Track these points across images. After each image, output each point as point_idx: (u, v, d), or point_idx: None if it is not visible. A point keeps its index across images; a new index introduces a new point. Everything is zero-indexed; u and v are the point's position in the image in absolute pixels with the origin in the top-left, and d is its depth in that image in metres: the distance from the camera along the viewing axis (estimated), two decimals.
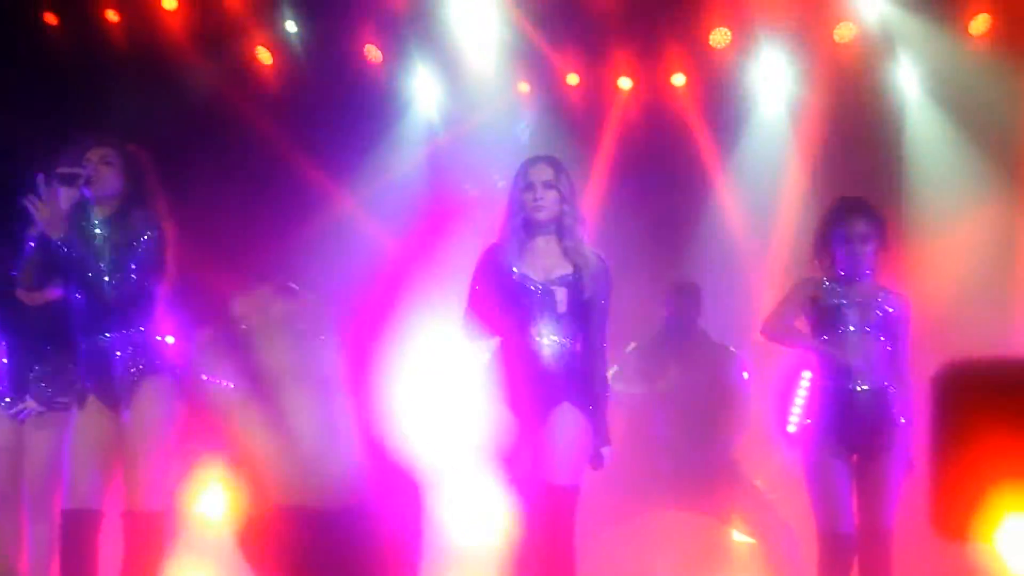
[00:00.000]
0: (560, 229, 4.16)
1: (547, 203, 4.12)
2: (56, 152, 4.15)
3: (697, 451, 6.17)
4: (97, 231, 4.09)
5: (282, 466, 0.67)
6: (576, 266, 4.11)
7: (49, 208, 3.95)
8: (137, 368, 4.03)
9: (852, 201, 4.61)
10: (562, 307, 4.08)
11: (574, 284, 4.09)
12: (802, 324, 4.57)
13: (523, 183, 4.16)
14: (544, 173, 4.16)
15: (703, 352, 6.41)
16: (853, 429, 4.38)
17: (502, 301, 4.14)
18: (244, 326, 0.68)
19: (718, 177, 7.69)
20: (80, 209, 4.04)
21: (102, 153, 4.13)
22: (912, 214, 6.99)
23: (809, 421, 4.55)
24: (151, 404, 4.02)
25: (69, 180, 3.96)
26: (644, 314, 6.52)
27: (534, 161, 4.24)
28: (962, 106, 7.05)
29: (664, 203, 7.56)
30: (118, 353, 4.04)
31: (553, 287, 4.09)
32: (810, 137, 7.36)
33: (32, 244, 4.09)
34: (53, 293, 4.38)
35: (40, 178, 3.96)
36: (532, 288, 4.09)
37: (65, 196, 3.97)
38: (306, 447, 0.68)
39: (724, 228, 7.59)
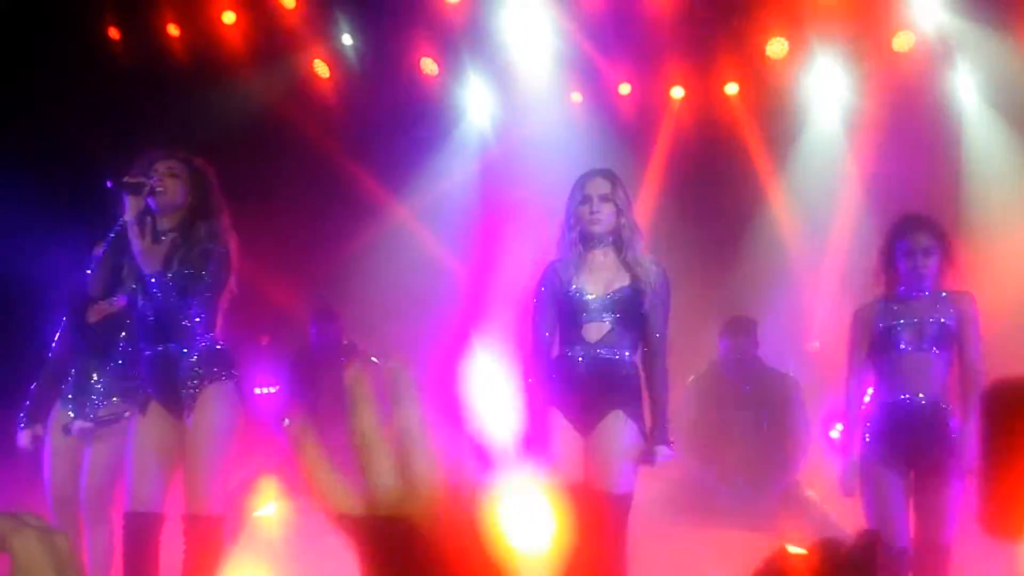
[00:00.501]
0: (618, 241, 4.17)
1: (603, 216, 4.14)
2: (119, 163, 4.25)
3: (757, 476, 6.13)
4: (163, 241, 4.18)
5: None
6: (634, 278, 4.13)
7: (148, 240, 4.05)
8: (200, 375, 4.11)
9: (916, 215, 4.59)
10: (619, 319, 4.11)
11: (632, 297, 4.12)
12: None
13: (580, 196, 4.18)
14: (601, 186, 4.17)
15: (761, 385, 6.37)
16: (909, 444, 4.34)
17: (560, 314, 4.18)
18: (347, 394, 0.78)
19: (772, 187, 7.65)
20: (145, 218, 4.13)
21: (169, 165, 4.21)
22: (971, 222, 6.89)
23: (868, 436, 4.51)
24: (213, 409, 4.08)
25: (135, 189, 4.05)
26: (696, 327, 6.49)
27: (591, 174, 4.25)
28: (1021, 113, 6.95)
29: (717, 213, 7.54)
30: (182, 361, 4.12)
31: (611, 300, 4.12)
32: (867, 146, 7.29)
33: (102, 252, 4.18)
34: (119, 302, 4.48)
35: (109, 185, 4.05)
36: (590, 302, 4.12)
37: (131, 204, 4.06)
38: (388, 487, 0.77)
39: (778, 238, 7.54)
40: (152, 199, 4.11)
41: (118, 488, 4.32)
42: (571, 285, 4.14)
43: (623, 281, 4.13)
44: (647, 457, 4.11)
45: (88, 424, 4.60)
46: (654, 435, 4.12)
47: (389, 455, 0.76)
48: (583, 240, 4.18)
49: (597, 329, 4.12)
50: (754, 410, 6.28)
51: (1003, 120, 7.11)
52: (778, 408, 6.31)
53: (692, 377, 6.45)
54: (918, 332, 4.38)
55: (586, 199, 4.15)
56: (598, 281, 4.14)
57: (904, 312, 4.42)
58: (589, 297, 4.12)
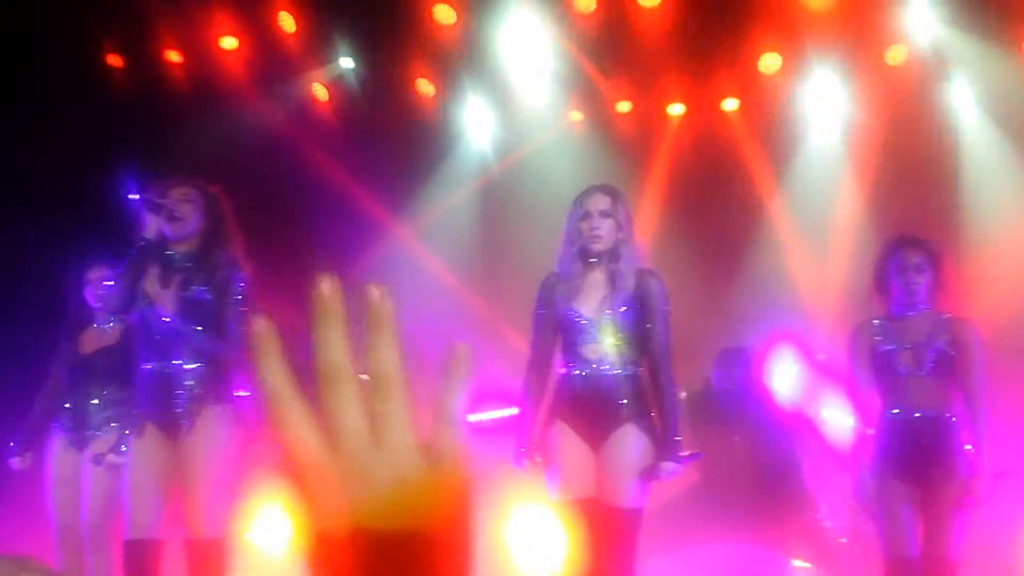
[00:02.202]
0: (616, 257, 4.18)
1: (603, 232, 4.13)
2: (121, 190, 4.30)
3: (757, 481, 6.10)
4: (175, 263, 4.21)
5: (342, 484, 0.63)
6: (629, 294, 4.12)
7: (166, 260, 4.16)
8: (199, 397, 4.11)
9: (907, 234, 4.62)
10: (618, 335, 4.11)
11: (627, 314, 4.11)
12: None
13: (580, 212, 4.18)
14: (601, 202, 4.17)
15: (756, 412, 6.34)
16: (916, 460, 4.34)
17: (560, 331, 4.19)
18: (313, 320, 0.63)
19: (772, 201, 7.67)
20: (161, 241, 4.18)
21: (184, 192, 4.25)
22: (969, 236, 6.91)
23: (876, 452, 4.51)
24: (210, 432, 4.08)
25: (156, 209, 4.12)
26: (696, 345, 6.48)
27: (591, 190, 4.26)
28: (1018, 125, 6.97)
29: (717, 229, 7.55)
30: (181, 381, 4.13)
31: (606, 320, 4.12)
32: (864, 160, 7.31)
33: (122, 269, 4.21)
34: (112, 329, 4.52)
35: (134, 198, 4.11)
36: (585, 324, 4.12)
37: (151, 223, 4.12)
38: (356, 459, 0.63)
39: (780, 252, 7.55)
40: (167, 225, 4.15)
41: (119, 514, 4.31)
42: (568, 305, 4.14)
43: (617, 298, 4.12)
44: (653, 472, 4.11)
45: (118, 458, 4.60)
46: (662, 450, 4.12)
47: (356, 388, 0.63)
48: (582, 256, 4.18)
49: (594, 349, 4.12)
50: (749, 437, 6.25)
51: (1000, 132, 7.13)
52: (774, 437, 6.27)
53: (684, 394, 6.38)
54: (916, 357, 4.39)
55: (586, 215, 4.15)
56: (593, 301, 4.14)
57: (902, 334, 4.43)
58: (584, 319, 4.12)
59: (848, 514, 5.82)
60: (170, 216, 4.15)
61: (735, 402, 6.36)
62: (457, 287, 7.60)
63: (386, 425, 0.63)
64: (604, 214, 4.15)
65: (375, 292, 0.64)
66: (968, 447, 4.33)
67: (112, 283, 4.31)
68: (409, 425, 0.64)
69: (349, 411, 0.62)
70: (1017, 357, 6.06)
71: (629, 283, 4.12)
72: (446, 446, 0.65)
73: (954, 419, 4.36)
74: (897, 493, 4.34)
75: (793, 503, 6.16)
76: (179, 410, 4.10)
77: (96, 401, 4.80)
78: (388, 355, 0.63)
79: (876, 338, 4.47)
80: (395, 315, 0.64)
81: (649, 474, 4.11)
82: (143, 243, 4.15)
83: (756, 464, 6.17)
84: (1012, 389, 5.78)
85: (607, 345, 4.10)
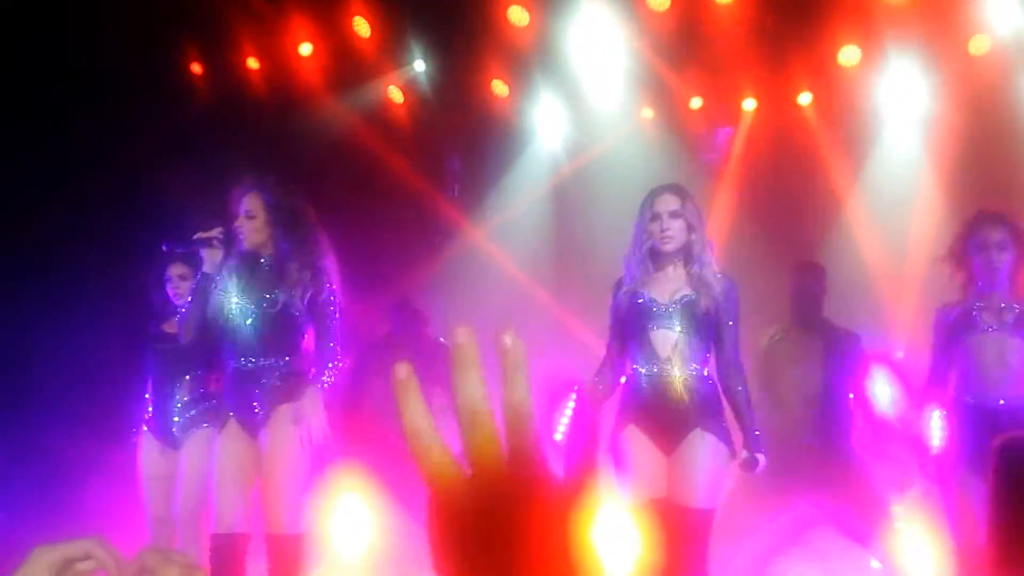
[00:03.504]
0: (688, 257, 4.16)
1: (674, 233, 4.12)
2: (201, 194, 4.42)
3: (825, 458, 5.92)
4: (257, 267, 4.31)
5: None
6: (697, 292, 4.11)
7: (238, 276, 4.30)
8: (277, 394, 4.21)
9: (990, 211, 4.52)
10: (688, 328, 4.09)
11: (698, 305, 4.09)
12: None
13: (649, 213, 4.16)
14: (670, 202, 4.15)
15: (828, 338, 6.07)
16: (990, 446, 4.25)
17: (629, 327, 4.18)
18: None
19: (849, 196, 7.55)
20: (236, 253, 4.29)
21: (248, 208, 4.32)
22: None
23: (949, 437, 4.44)
24: (288, 429, 4.17)
25: (206, 243, 4.22)
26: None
27: (659, 191, 4.23)
28: None
29: (791, 225, 7.46)
30: (263, 378, 4.23)
31: (678, 308, 4.11)
32: (944, 152, 7.16)
33: (189, 303, 4.34)
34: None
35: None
36: (656, 310, 4.11)
37: (208, 256, 4.23)
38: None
39: (856, 248, 7.43)
40: (241, 243, 4.26)
41: (208, 507, 4.43)
42: (638, 295, 4.14)
43: (686, 294, 4.11)
44: (748, 465, 4.09)
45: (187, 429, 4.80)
46: (749, 446, 4.11)
47: (494, 425, 0.72)
48: (652, 257, 4.17)
49: (665, 339, 4.10)
50: (820, 363, 5.97)
51: None
52: (845, 364, 6.00)
53: (765, 340, 6.12)
54: (998, 315, 4.30)
55: (656, 216, 4.14)
56: (664, 291, 4.14)
57: (983, 299, 4.36)
58: (656, 306, 4.11)
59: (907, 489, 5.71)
60: (228, 240, 4.24)
61: (807, 322, 6.07)
62: (529, 286, 7.63)
63: (520, 456, 0.71)
64: (674, 215, 4.13)
65: (508, 339, 0.72)
66: None
67: (180, 319, 4.45)
68: (539, 453, 0.72)
69: (489, 445, 0.71)
70: None
71: (702, 282, 4.10)
72: (518, 441, 0.72)
73: None
74: (972, 483, 4.27)
75: (850, 467, 5.97)
76: (259, 407, 4.20)
77: (179, 384, 4.97)
78: (522, 392, 0.72)
79: (956, 309, 4.40)
80: (526, 357, 0.71)
81: (745, 467, 4.10)
82: (202, 278, 4.27)
83: (824, 407, 5.93)
84: None
85: (676, 335, 4.08)
